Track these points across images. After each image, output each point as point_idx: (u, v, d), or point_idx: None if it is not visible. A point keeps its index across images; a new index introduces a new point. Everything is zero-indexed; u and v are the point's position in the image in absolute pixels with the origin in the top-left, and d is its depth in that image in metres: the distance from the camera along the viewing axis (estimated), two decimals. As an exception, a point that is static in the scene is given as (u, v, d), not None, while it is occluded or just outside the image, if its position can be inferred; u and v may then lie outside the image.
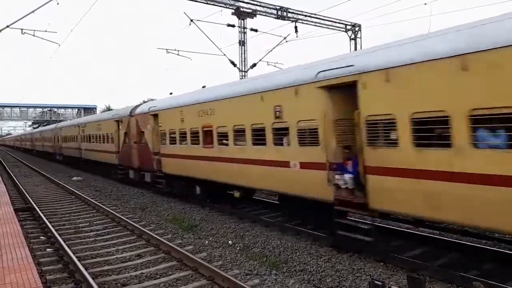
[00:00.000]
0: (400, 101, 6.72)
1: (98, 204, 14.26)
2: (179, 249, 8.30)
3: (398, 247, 8.22)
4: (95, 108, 75.17)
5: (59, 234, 9.83)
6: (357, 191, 7.86)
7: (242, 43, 26.79)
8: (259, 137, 10.24)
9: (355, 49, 29.69)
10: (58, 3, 18.19)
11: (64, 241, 9.16)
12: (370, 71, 7.26)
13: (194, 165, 13.35)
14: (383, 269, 7.24)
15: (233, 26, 26.18)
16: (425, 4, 18.19)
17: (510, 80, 5.27)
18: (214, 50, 28.70)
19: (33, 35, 20.69)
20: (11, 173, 26.04)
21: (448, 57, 5.97)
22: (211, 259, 8.13)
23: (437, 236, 8.65)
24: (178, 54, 24.64)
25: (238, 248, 9.01)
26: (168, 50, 24.31)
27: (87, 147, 27.53)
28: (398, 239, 8.80)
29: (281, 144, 9.62)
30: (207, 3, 24.77)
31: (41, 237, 10.10)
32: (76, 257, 7.98)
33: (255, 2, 26.50)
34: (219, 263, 7.81)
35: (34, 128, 79.20)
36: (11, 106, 72.17)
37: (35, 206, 13.64)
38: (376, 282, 5.48)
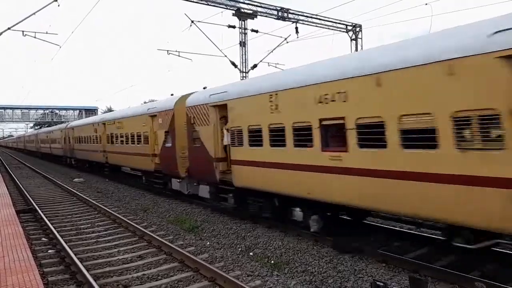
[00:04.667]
0: None
1: (100, 205, 14.27)
2: (180, 250, 8.30)
3: (400, 247, 8.20)
4: (96, 110, 75.34)
5: (60, 236, 9.83)
6: None
7: (242, 44, 26.80)
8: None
9: (356, 49, 29.69)
10: (59, 5, 18.23)
11: (66, 243, 9.17)
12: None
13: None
14: (385, 270, 7.22)
15: (234, 27, 26.18)
16: (426, 4, 18.17)
17: None
18: (215, 51, 28.68)
19: (34, 37, 20.73)
20: (13, 175, 26.09)
21: None
22: (213, 260, 8.13)
23: (439, 237, 8.63)
24: (179, 56, 24.66)
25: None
26: (169, 51, 24.32)
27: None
28: (399, 240, 8.78)
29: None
30: (208, 4, 24.79)
31: (43, 239, 10.11)
32: (78, 258, 7.98)
33: (255, 3, 26.51)
34: (221, 264, 7.81)
35: (36, 129, 79.15)
36: (13, 108, 72.43)
37: (36, 207, 13.66)
38: (378, 283, 5.47)
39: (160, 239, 9.27)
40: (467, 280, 6.28)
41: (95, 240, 10.06)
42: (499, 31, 5.22)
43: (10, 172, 28.84)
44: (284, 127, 9.04)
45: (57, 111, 78.27)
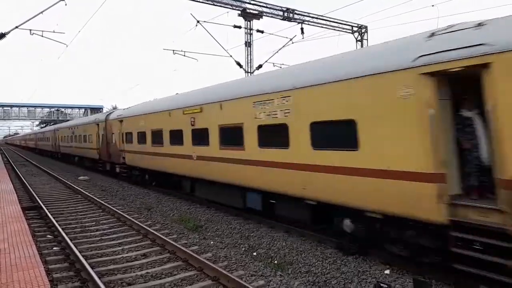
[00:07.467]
0: None
1: (104, 203, 14.35)
2: (184, 249, 8.33)
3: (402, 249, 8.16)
4: (102, 108, 75.48)
5: (65, 233, 9.90)
6: None
7: (248, 44, 26.83)
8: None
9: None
10: (66, 4, 18.37)
11: (71, 240, 9.23)
12: None
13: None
14: (389, 271, 7.21)
15: (240, 27, 26.22)
16: (433, 6, 18.13)
17: None
18: (220, 51, 28.70)
19: (42, 36, 20.88)
20: (19, 172, 26.29)
21: None
22: (216, 259, 8.15)
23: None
24: (184, 55, 24.74)
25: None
26: (174, 51, 24.41)
27: None
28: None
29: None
30: (214, 4, 24.85)
31: (48, 236, 10.19)
32: (82, 255, 8.03)
33: (261, 4, 26.54)
34: (224, 264, 7.83)
35: (42, 127, 79.60)
36: (19, 106, 72.87)
37: (42, 205, 13.75)
38: (381, 284, 5.47)
39: (164, 237, 9.30)
40: (471, 283, 6.24)
41: (99, 238, 10.12)
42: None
43: (16, 169, 29.06)
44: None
45: (63, 110, 78.64)
